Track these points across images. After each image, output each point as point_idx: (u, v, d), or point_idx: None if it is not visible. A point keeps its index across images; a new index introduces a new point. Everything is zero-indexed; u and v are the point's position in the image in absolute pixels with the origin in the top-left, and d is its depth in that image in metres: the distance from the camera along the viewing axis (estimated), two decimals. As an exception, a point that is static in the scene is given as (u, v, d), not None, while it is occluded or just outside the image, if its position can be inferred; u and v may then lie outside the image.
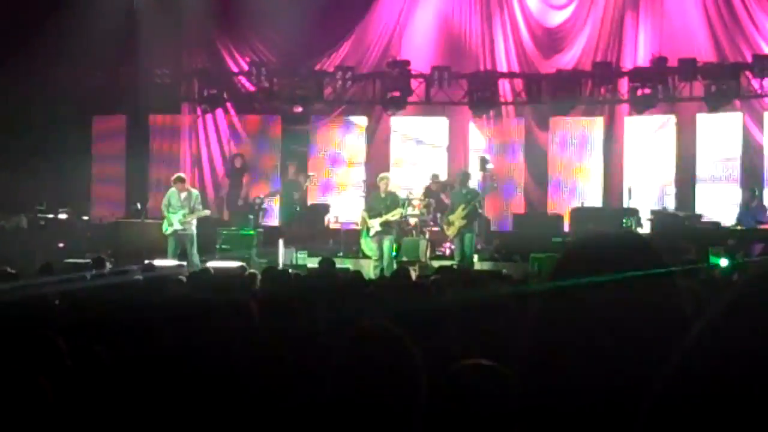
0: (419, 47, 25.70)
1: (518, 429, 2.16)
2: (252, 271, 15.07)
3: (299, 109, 25.30)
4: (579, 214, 22.84)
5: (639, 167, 24.04)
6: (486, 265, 20.61)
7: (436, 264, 19.20)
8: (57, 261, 16.22)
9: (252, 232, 21.81)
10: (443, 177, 23.96)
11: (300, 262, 20.95)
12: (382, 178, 20.87)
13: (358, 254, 21.70)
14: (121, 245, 21.69)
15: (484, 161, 22.57)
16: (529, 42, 25.51)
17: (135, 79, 25.20)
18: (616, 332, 2.01)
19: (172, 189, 20.64)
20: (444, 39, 25.93)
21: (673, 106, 23.92)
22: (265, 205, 24.13)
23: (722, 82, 22.51)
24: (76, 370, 4.10)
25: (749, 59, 22.80)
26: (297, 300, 5.71)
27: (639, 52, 24.36)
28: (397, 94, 24.43)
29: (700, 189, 23.41)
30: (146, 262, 18.16)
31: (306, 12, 24.54)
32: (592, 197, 24.35)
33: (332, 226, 24.08)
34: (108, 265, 15.21)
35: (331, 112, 25.90)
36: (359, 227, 21.55)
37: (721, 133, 23.19)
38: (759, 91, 22.77)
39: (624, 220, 21.42)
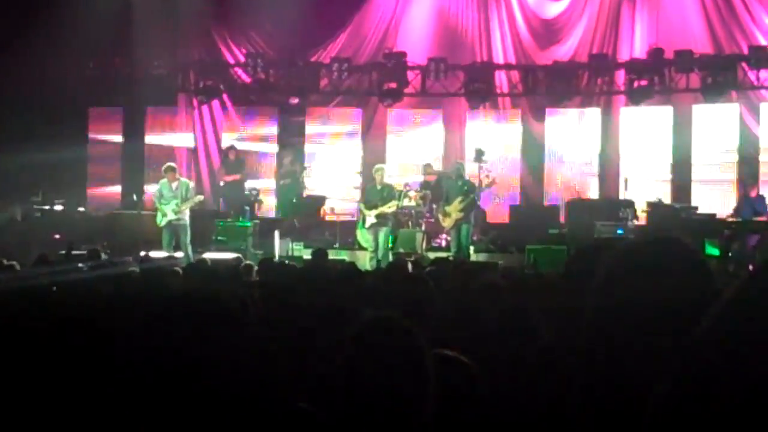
0: (415, 38, 25.68)
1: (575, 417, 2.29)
2: (248, 262, 15.08)
3: (295, 101, 25.30)
4: (575, 205, 22.83)
5: (635, 159, 24.05)
6: (482, 257, 20.63)
7: (432, 255, 19.20)
8: (52, 252, 16.18)
9: (248, 223, 21.81)
10: (437, 167, 24.00)
11: (296, 253, 20.95)
12: (377, 170, 20.88)
13: (354, 246, 21.73)
14: (116, 237, 21.68)
15: (479, 152, 22.55)
16: (526, 33, 25.49)
17: (131, 70, 25.19)
18: (669, 320, 2.18)
19: (163, 180, 20.63)
20: (440, 30, 25.90)
21: (670, 98, 23.91)
22: (260, 197, 24.12)
23: (719, 74, 22.52)
24: (71, 363, 4.09)
25: (745, 50, 22.80)
26: (294, 291, 5.71)
27: (635, 44, 24.36)
28: (393, 85, 24.44)
29: (696, 181, 23.41)
30: (142, 253, 18.18)
31: (302, 3, 24.56)
32: (588, 189, 24.35)
33: (328, 217, 24.09)
34: (103, 257, 15.21)
35: (328, 104, 25.89)
36: (355, 218, 21.57)
37: (717, 125, 23.19)
38: (755, 83, 22.77)
39: (620, 212, 21.41)
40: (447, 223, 20.41)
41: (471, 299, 6.22)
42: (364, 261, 19.63)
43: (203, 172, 26.13)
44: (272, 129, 26.08)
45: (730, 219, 20.33)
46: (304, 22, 24.73)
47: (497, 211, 24.45)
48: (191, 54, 26.12)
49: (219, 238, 21.33)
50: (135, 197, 23.51)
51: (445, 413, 3.36)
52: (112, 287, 8.80)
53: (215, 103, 26.11)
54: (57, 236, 21.46)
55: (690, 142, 23.46)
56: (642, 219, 21.60)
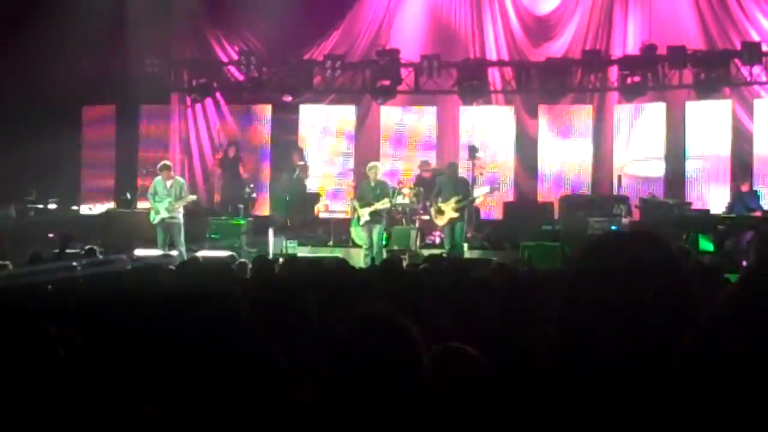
0: (408, 36, 25.67)
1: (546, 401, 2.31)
2: (242, 260, 15.10)
3: (288, 98, 25.29)
4: (568, 202, 22.84)
5: (628, 155, 24.07)
6: (476, 254, 20.64)
7: (425, 252, 19.23)
8: (47, 251, 16.17)
9: (242, 221, 21.81)
10: (433, 164, 24.01)
11: (290, 251, 20.96)
12: (371, 168, 20.91)
13: (348, 243, 21.75)
14: (111, 235, 21.66)
15: (473, 149, 22.55)
16: (519, 30, 25.49)
17: (124, 68, 25.16)
18: (638, 314, 2.20)
19: (158, 177, 20.66)
20: (433, 27, 25.89)
21: (663, 94, 23.93)
22: (254, 195, 24.11)
23: (712, 70, 22.53)
24: (68, 359, 4.09)
25: (738, 47, 22.80)
26: (288, 289, 5.70)
27: (628, 40, 24.37)
28: (386, 82, 24.43)
29: (689, 177, 23.44)
30: (135, 252, 18.19)
31: (295, 1, 24.55)
32: (582, 185, 24.38)
33: (322, 215, 24.09)
34: (99, 256, 15.20)
35: (321, 101, 25.88)
36: (349, 216, 21.57)
37: (710, 121, 23.21)
38: (748, 79, 22.78)
39: (614, 208, 21.44)
40: (440, 220, 20.43)
41: (465, 296, 6.23)
42: (358, 258, 19.65)
43: (197, 170, 26.12)
44: (266, 127, 26.05)
45: (724, 215, 20.37)
46: (297, 20, 24.73)
47: (490, 207, 24.47)
48: (184, 52, 26.11)
49: (213, 236, 21.34)
50: (129, 195, 23.51)
51: (453, 404, 3.38)
52: (106, 285, 8.79)
53: (208, 101, 26.09)
54: (51, 235, 21.44)
55: (683, 138, 23.48)
56: (636, 215, 21.63)
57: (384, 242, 20.58)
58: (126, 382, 3.71)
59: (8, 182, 22.79)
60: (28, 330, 3.83)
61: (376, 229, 20.22)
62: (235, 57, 25.79)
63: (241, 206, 22.86)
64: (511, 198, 24.71)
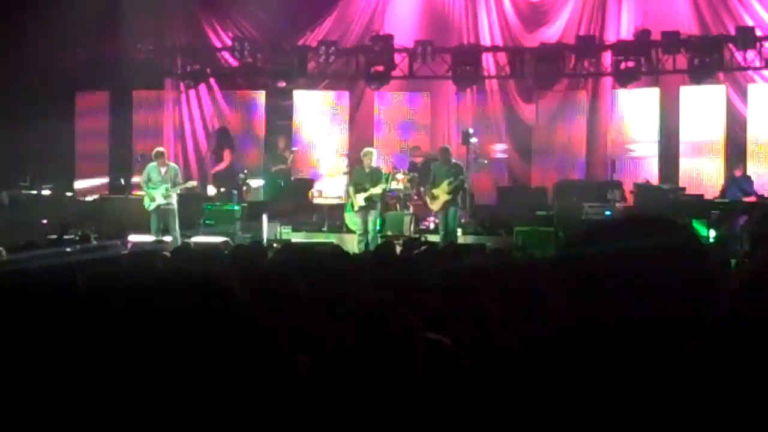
0: (402, 21, 25.63)
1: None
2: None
3: (283, 84, 25.27)
4: (562, 187, 22.85)
5: (623, 140, 24.09)
6: (470, 239, 20.64)
7: (420, 238, 19.21)
8: (40, 237, 16.15)
9: (236, 207, 21.80)
10: (424, 150, 24.00)
11: (284, 236, 20.95)
12: (366, 153, 20.88)
13: (342, 229, 21.75)
14: (105, 221, 21.65)
15: (467, 135, 22.53)
16: (513, 15, 25.46)
17: (118, 54, 25.07)
18: (658, 298, 2.15)
19: (152, 164, 20.63)
20: (427, 13, 25.86)
21: (657, 79, 23.94)
22: (249, 180, 24.08)
23: (705, 55, 22.52)
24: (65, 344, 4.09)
25: (732, 32, 22.80)
26: (280, 274, 5.70)
27: (622, 26, 24.34)
28: (380, 68, 24.39)
29: (683, 161, 23.46)
30: (130, 237, 18.19)
31: (289, -14, 24.54)
32: (576, 171, 24.40)
33: (316, 200, 24.08)
34: (93, 242, 15.19)
35: (315, 87, 25.85)
36: (343, 201, 21.58)
37: (704, 106, 23.23)
38: (742, 64, 22.78)
39: (608, 194, 21.45)
40: (435, 205, 20.41)
41: (459, 281, 6.23)
42: (352, 244, 19.64)
43: (190, 156, 26.10)
44: (259, 113, 26.02)
45: (718, 200, 20.40)
46: (290, 6, 24.73)
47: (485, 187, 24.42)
48: (178, 38, 26.04)
49: (207, 221, 21.34)
50: (123, 181, 23.47)
51: (427, 395, 3.37)
52: (100, 269, 8.77)
53: (202, 87, 26.04)
54: (44, 221, 21.42)
55: (677, 123, 23.49)
56: (629, 200, 21.64)
57: (378, 228, 20.57)
58: (121, 368, 3.70)
59: (2, 168, 22.74)
60: (25, 315, 3.82)
61: (371, 215, 20.21)
62: (229, 43, 25.73)
63: (235, 192, 22.85)
64: (505, 183, 24.72)
